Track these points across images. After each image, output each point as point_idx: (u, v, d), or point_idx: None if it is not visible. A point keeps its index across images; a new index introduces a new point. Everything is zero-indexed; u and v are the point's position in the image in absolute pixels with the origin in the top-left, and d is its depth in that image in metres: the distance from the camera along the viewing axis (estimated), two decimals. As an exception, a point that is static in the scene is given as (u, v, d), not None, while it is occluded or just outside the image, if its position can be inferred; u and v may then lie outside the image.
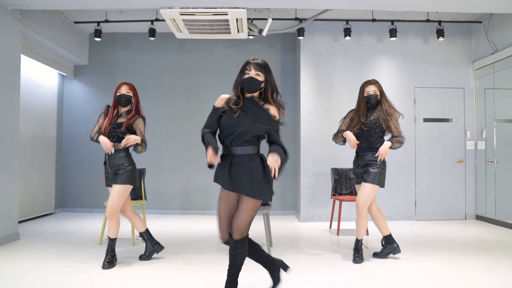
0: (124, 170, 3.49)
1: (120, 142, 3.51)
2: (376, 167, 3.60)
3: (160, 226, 5.50)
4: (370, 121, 3.68)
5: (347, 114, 3.91)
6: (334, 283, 3.10)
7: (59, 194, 6.69)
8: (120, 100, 3.57)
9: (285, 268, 2.76)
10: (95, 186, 6.53)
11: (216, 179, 2.60)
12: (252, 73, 2.53)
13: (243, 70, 2.58)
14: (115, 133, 3.53)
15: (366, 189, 3.60)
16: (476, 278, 3.22)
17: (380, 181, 3.61)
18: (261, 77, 2.54)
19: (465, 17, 5.97)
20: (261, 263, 2.71)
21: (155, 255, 3.83)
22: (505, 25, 5.50)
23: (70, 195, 6.77)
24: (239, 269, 2.57)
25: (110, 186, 3.57)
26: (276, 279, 2.72)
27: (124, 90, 3.58)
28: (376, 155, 3.59)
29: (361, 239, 3.76)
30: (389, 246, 3.82)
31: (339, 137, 3.81)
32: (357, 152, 3.77)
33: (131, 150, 3.67)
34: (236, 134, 2.48)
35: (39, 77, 6.09)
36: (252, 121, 2.49)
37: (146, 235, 3.75)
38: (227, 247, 2.57)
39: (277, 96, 2.64)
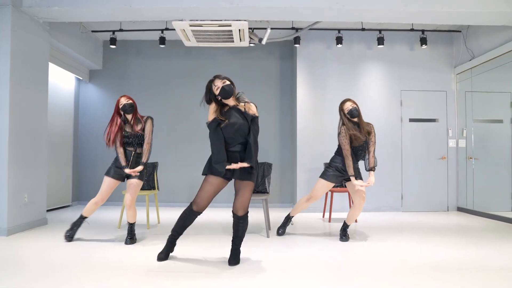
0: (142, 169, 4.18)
1: (141, 146, 4.17)
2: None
3: (169, 216, 6.08)
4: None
5: (342, 132, 4.12)
6: (326, 257, 3.68)
7: (76, 188, 7.29)
8: (126, 110, 4.11)
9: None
10: (108, 180, 7.13)
11: (210, 171, 3.21)
12: (219, 83, 3.19)
13: (210, 88, 3.24)
14: (136, 139, 4.14)
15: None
16: (445, 251, 3.81)
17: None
18: (227, 82, 3.20)
19: (446, 27, 6.58)
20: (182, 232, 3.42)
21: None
22: (480, 35, 6.12)
23: (86, 189, 7.36)
24: (241, 240, 3.26)
25: (113, 178, 4.14)
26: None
27: (124, 100, 4.14)
28: (367, 184, 4.08)
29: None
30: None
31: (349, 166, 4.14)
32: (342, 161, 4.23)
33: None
34: (236, 141, 3.22)
35: (58, 81, 6.70)
36: (244, 132, 3.19)
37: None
38: (230, 233, 3.21)
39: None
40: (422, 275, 3.00)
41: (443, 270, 3.15)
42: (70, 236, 4.15)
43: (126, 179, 4.20)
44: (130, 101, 4.16)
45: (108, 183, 4.12)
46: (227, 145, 3.21)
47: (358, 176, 4.16)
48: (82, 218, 4.22)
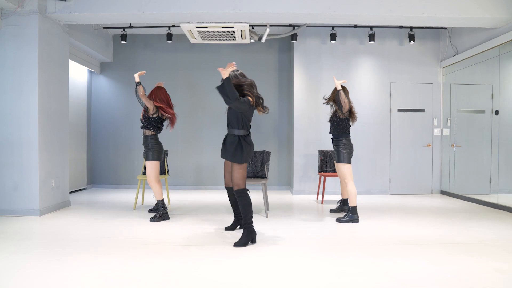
0: (147, 149, 4.81)
1: (147, 129, 4.86)
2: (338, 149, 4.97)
3: (178, 197, 6.73)
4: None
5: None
6: (315, 231, 4.32)
7: (90, 173, 7.92)
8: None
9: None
10: (119, 165, 7.75)
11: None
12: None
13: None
14: (145, 122, 4.85)
15: (339, 167, 4.92)
16: (417, 229, 4.44)
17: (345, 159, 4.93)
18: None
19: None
20: (235, 208, 4.26)
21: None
22: (463, 33, 6.63)
23: (99, 173, 7.99)
24: (244, 217, 3.77)
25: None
26: (240, 224, 4.26)
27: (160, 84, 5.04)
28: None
29: (352, 206, 5.00)
30: (345, 208, 5.24)
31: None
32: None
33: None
34: (228, 120, 3.91)
35: (73, 73, 7.23)
36: (232, 114, 3.87)
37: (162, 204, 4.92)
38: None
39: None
40: (393, 249, 3.63)
41: (411, 245, 3.78)
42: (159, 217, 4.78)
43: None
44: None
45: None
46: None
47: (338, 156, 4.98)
48: (158, 201, 4.86)
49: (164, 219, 4.79)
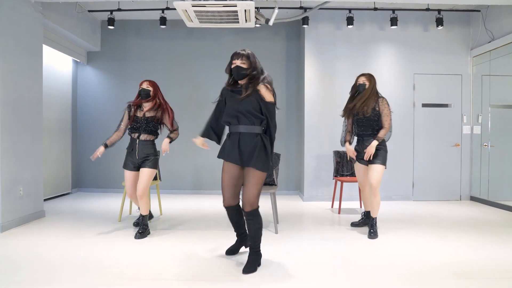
0: (154, 156, 4.03)
1: (147, 133, 4.01)
2: (380, 149, 4.06)
3: (174, 205, 5.88)
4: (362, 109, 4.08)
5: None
6: (337, 254, 3.47)
7: (75, 175, 7.07)
8: (141, 95, 4.03)
9: (246, 244, 3.24)
10: (108, 167, 6.90)
11: (222, 155, 3.01)
12: (238, 62, 2.90)
13: (230, 61, 2.97)
14: (144, 125, 3.98)
15: (378, 170, 4.01)
16: (463, 252, 3.58)
17: (384, 161, 4.07)
18: (246, 65, 2.89)
19: (464, 6, 6.18)
20: (238, 228, 3.22)
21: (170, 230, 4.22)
22: (502, 15, 5.73)
23: (86, 175, 7.14)
24: (255, 241, 2.93)
25: (130, 169, 4.04)
26: (245, 244, 3.28)
27: (144, 85, 4.04)
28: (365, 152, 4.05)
29: (375, 217, 4.14)
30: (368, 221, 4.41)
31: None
32: (360, 136, 4.19)
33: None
34: (242, 114, 2.85)
35: (55, 64, 6.38)
36: (251, 103, 2.85)
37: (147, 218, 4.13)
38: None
39: (264, 79, 2.95)
40: (444, 282, 2.77)
41: (469, 278, 2.92)
42: (141, 233, 3.98)
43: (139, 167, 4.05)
44: (149, 88, 4.03)
45: (127, 176, 4.06)
46: (229, 125, 3.00)
47: (361, 155, 4.15)
48: (143, 216, 4.07)
49: (148, 234, 4.04)
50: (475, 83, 6.45)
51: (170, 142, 4.05)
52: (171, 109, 4.14)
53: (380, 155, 4.03)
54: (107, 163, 6.95)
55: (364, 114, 4.04)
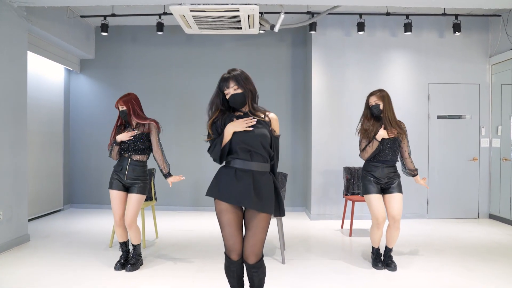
0: (143, 181, 3.57)
1: (138, 153, 3.56)
2: (398, 176, 3.61)
3: (171, 225, 5.45)
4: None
5: (358, 126, 3.76)
6: (352, 295, 3.03)
7: (67, 191, 6.64)
8: (121, 116, 3.59)
9: None
10: (102, 182, 6.46)
11: (220, 196, 2.34)
12: (231, 90, 2.35)
13: (220, 89, 2.39)
14: (132, 145, 3.51)
15: (400, 200, 3.53)
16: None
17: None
18: (240, 90, 2.35)
19: (483, 10, 5.76)
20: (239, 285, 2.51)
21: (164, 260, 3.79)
22: (525, 20, 5.32)
23: (78, 191, 6.72)
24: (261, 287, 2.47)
25: (118, 189, 3.56)
26: None
27: (120, 107, 3.54)
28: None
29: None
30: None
31: (374, 147, 3.58)
32: (373, 164, 3.63)
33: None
34: (255, 149, 2.34)
35: (45, 73, 5.98)
36: (264, 136, 2.35)
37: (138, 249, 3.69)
38: None
39: (257, 101, 2.46)
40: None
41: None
42: (120, 265, 3.56)
43: (127, 191, 3.59)
44: (124, 108, 3.52)
45: (114, 197, 3.56)
46: (233, 160, 2.38)
47: (385, 185, 3.59)
48: (121, 245, 3.64)
49: (141, 265, 3.64)
50: (494, 93, 6.02)
51: (169, 174, 3.62)
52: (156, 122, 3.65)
53: (399, 183, 3.59)
54: (100, 178, 6.53)
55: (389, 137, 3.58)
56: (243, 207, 2.38)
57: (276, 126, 2.47)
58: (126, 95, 3.57)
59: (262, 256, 2.38)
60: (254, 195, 2.27)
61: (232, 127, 2.32)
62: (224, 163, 2.43)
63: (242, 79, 2.36)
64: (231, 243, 2.33)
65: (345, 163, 5.69)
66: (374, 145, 3.54)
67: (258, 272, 2.36)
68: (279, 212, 2.43)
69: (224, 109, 2.43)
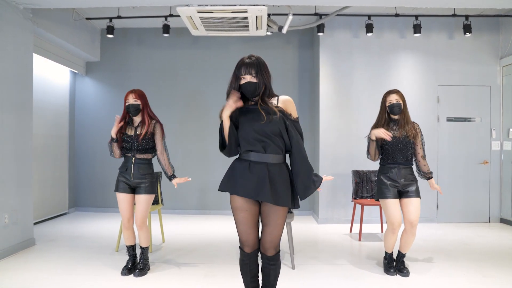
0: (150, 180, 3.49)
1: (142, 153, 3.46)
2: (415, 180, 3.52)
3: (178, 229, 5.38)
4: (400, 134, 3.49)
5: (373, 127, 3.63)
6: (365, 302, 2.95)
7: (73, 194, 6.59)
8: (129, 111, 3.45)
9: None
10: (108, 185, 6.39)
11: (234, 190, 2.30)
12: (248, 77, 2.28)
13: (237, 75, 2.32)
14: (136, 144, 3.42)
15: (418, 204, 3.43)
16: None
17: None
18: (255, 80, 2.29)
19: (494, 10, 5.67)
20: (253, 282, 2.48)
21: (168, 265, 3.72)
22: (538, 21, 5.23)
23: (83, 195, 6.67)
24: (275, 286, 2.41)
25: (124, 191, 3.47)
26: None
27: (131, 99, 3.43)
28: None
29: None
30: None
31: (371, 147, 3.52)
32: (389, 166, 3.52)
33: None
34: (269, 139, 2.26)
35: (50, 75, 5.95)
36: (278, 124, 2.26)
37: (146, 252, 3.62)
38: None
39: (268, 94, 2.38)
40: None
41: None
42: (127, 270, 3.48)
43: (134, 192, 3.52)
44: (138, 102, 3.43)
45: (121, 199, 3.47)
46: (247, 152, 2.32)
47: (410, 186, 3.46)
48: (128, 249, 3.58)
49: (148, 270, 3.56)
50: (505, 95, 5.92)
51: (174, 175, 3.55)
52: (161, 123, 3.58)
53: (418, 188, 3.48)
54: (105, 181, 6.48)
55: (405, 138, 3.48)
56: (259, 200, 2.33)
57: (291, 108, 2.36)
58: (137, 90, 3.49)
59: (279, 250, 2.35)
60: (270, 188, 2.22)
61: (224, 111, 2.28)
62: (238, 156, 2.39)
63: (263, 70, 2.32)
64: (245, 239, 2.34)
65: (353, 167, 5.60)
66: (371, 146, 3.50)
67: (275, 265, 2.34)
68: (293, 204, 2.37)
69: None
